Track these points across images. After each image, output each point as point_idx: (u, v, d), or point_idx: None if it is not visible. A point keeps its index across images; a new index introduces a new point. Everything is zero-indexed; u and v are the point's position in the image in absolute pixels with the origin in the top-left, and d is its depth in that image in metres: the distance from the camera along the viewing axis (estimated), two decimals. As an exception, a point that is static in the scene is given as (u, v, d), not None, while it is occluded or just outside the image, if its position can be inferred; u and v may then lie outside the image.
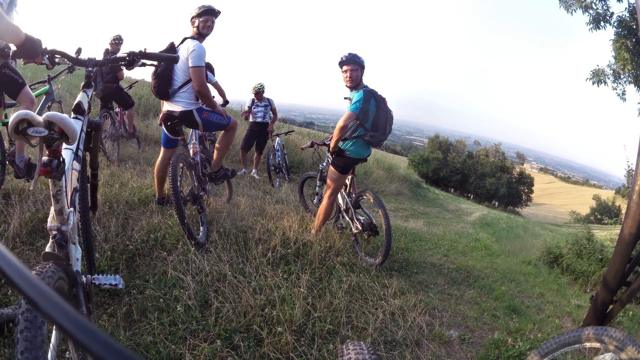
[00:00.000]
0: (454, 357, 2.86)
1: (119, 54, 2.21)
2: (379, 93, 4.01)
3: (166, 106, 3.72)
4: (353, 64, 3.96)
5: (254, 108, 7.80)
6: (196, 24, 3.66)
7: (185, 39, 3.66)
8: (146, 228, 3.27)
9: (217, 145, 4.16)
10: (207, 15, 3.66)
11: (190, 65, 3.53)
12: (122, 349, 0.36)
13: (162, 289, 2.57)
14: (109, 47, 6.32)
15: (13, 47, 1.69)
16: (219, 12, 3.71)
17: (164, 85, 3.60)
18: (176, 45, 3.66)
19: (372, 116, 3.96)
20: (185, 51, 3.55)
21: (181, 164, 3.66)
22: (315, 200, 5.21)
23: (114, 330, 2.09)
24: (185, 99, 3.65)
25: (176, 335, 2.20)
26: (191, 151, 4.03)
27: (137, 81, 8.08)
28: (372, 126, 4.00)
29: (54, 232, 1.46)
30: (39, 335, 1.05)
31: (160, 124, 3.86)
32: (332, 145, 4.11)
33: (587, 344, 1.75)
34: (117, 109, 6.70)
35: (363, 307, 3.09)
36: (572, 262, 6.31)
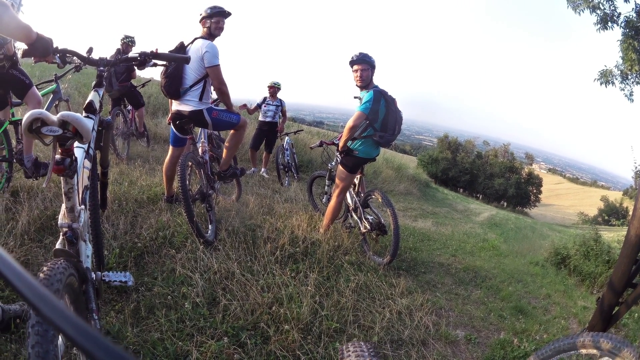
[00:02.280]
0: (459, 357, 2.85)
1: (131, 54, 2.23)
2: (389, 93, 4.00)
3: (175, 105, 3.73)
4: (364, 64, 3.96)
5: (265, 107, 7.75)
6: (207, 24, 3.68)
7: (195, 39, 3.69)
8: (155, 226, 3.29)
9: (226, 144, 4.16)
10: (219, 17, 3.69)
11: (206, 65, 3.56)
12: (123, 354, 0.37)
13: (170, 287, 2.59)
14: (120, 46, 6.37)
15: (24, 46, 1.70)
16: (229, 14, 3.73)
17: (174, 85, 3.61)
18: (186, 45, 3.68)
19: (381, 116, 3.96)
20: (197, 51, 3.57)
21: (190, 163, 3.67)
22: (324, 200, 5.21)
23: (122, 326, 2.11)
24: (196, 99, 3.66)
25: (183, 332, 2.22)
26: (200, 150, 4.05)
27: (149, 80, 8.12)
28: (382, 126, 3.99)
29: (65, 229, 1.47)
30: (50, 330, 1.06)
31: (169, 123, 3.89)
32: (341, 144, 4.12)
33: (583, 351, 1.72)
34: (129, 107, 6.76)
35: (370, 306, 3.08)
36: (580, 263, 6.25)
